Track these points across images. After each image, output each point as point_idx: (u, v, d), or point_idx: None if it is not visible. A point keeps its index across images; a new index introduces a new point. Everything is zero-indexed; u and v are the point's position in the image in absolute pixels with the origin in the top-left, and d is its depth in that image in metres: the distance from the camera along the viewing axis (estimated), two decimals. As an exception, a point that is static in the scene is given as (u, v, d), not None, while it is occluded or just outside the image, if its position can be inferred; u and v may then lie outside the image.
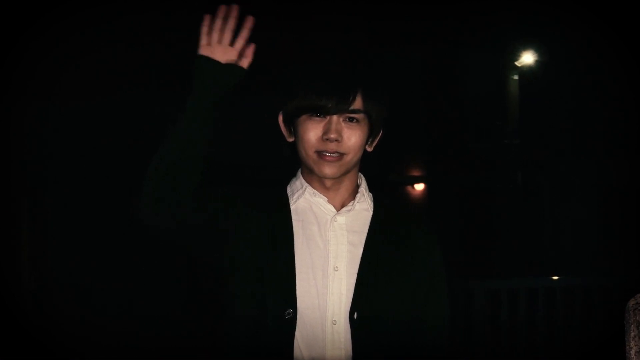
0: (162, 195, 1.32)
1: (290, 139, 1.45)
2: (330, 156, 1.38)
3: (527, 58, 9.43)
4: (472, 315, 4.37)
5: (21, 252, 5.09)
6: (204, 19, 1.35)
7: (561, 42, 8.33)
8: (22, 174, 5.17)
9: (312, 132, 1.38)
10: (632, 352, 1.31)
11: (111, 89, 5.75)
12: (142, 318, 5.34)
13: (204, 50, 1.35)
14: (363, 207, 1.47)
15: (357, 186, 1.49)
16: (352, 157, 1.40)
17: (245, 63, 1.37)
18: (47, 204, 5.63)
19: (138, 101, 5.88)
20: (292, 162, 1.49)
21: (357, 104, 1.37)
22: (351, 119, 1.38)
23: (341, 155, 1.38)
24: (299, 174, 1.49)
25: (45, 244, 5.47)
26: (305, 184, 1.45)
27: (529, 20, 7.96)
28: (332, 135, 1.36)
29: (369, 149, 1.46)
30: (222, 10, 1.34)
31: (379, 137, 1.46)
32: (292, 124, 1.43)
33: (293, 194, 1.46)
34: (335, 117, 1.37)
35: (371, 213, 1.47)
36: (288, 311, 1.34)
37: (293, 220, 1.42)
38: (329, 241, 1.41)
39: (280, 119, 1.46)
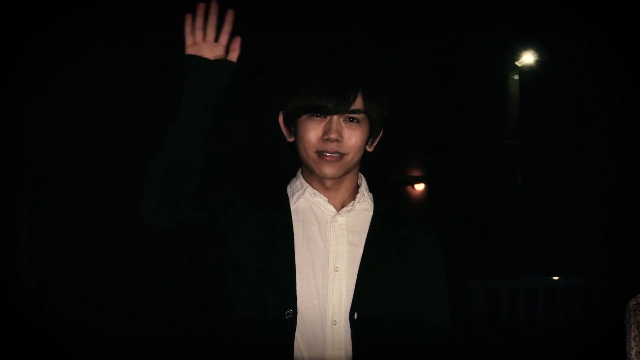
0: (162, 195, 1.32)
1: (291, 139, 1.45)
2: (330, 156, 1.38)
3: (527, 58, 9.43)
4: (472, 315, 4.37)
5: (21, 252, 5.09)
6: (186, 19, 1.36)
7: (561, 42, 8.33)
8: (22, 174, 5.16)
9: (313, 132, 1.38)
10: (633, 352, 1.31)
11: (111, 89, 5.75)
12: (142, 318, 5.34)
13: (190, 50, 1.36)
14: (363, 207, 1.47)
15: (358, 186, 1.49)
16: (352, 157, 1.40)
17: (234, 57, 1.38)
18: (47, 204, 5.62)
19: (138, 101, 5.88)
20: (292, 162, 1.49)
21: (358, 104, 1.37)
22: (351, 119, 1.38)
23: (341, 155, 1.38)
24: (299, 174, 1.49)
25: (45, 244, 5.47)
26: (306, 184, 1.45)
27: (529, 20, 7.96)
28: (333, 136, 1.36)
29: (369, 149, 1.46)
30: (201, 8, 1.35)
31: (379, 137, 1.46)
32: (293, 124, 1.43)
33: (293, 194, 1.46)
34: (335, 117, 1.37)
35: (371, 213, 1.47)
36: (288, 311, 1.34)
37: (293, 221, 1.42)
38: (329, 241, 1.41)
39: (281, 119, 1.46)
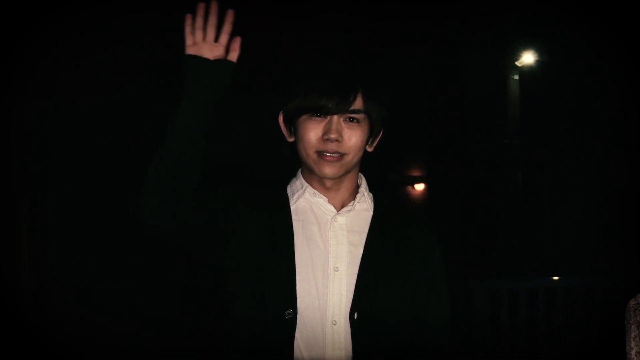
0: (162, 195, 1.33)
1: (291, 139, 1.45)
2: (330, 156, 1.38)
3: (528, 58, 9.42)
4: (472, 315, 4.37)
5: (21, 252, 5.09)
6: (186, 19, 1.36)
7: (561, 42, 8.33)
8: (22, 174, 5.16)
9: (313, 132, 1.38)
10: (633, 352, 1.31)
11: (111, 89, 5.74)
12: (142, 318, 5.34)
13: (190, 50, 1.36)
14: (363, 207, 1.47)
15: (358, 186, 1.49)
16: (352, 157, 1.40)
17: (234, 57, 1.38)
18: (47, 204, 5.62)
19: (138, 101, 5.87)
20: (292, 162, 1.49)
21: (358, 104, 1.37)
22: (351, 119, 1.38)
23: (341, 155, 1.38)
24: (299, 174, 1.49)
25: (45, 244, 5.46)
26: (306, 184, 1.45)
27: (529, 20, 7.95)
28: (333, 136, 1.36)
29: (370, 149, 1.46)
30: (201, 8, 1.35)
31: (379, 137, 1.46)
32: (293, 124, 1.43)
33: (293, 194, 1.46)
34: (335, 117, 1.37)
35: (371, 213, 1.47)
36: (288, 311, 1.34)
37: (293, 221, 1.42)
38: (329, 241, 1.41)
39: (281, 119, 1.46)
